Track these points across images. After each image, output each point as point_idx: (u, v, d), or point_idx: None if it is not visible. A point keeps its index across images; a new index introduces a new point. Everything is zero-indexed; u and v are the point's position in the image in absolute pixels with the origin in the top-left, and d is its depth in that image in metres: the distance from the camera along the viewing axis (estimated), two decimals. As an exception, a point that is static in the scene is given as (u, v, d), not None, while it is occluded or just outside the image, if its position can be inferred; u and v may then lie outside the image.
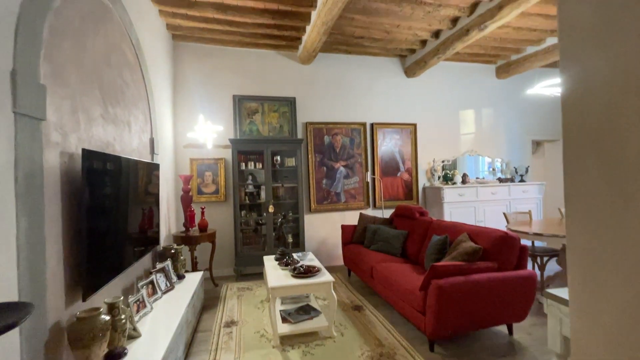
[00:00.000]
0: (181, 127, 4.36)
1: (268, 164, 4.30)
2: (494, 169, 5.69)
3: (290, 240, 4.44)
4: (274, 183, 4.46)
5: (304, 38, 4.19)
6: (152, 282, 2.58)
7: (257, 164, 4.42)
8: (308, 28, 3.93)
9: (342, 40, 4.41)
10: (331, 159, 4.88)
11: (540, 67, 5.71)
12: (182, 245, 3.54)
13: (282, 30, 4.05)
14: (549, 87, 3.41)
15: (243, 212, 4.41)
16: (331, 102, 4.92)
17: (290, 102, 4.71)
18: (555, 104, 5.98)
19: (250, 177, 4.46)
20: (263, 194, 4.41)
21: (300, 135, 4.78)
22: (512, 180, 5.36)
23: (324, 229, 4.86)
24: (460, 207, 4.88)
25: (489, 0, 3.37)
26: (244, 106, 4.57)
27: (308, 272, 2.70)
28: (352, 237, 4.22)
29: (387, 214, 5.08)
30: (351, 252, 3.94)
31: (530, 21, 3.94)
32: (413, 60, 4.93)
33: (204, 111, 4.42)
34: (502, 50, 5.00)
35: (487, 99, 5.63)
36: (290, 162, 4.52)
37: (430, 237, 3.31)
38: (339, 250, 4.90)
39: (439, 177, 5.23)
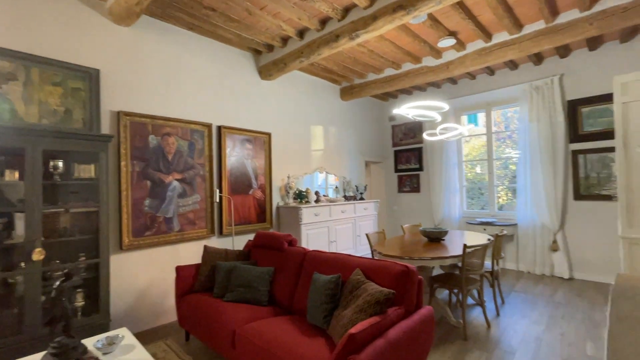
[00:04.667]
0: None
1: (36, 172, 2.40)
2: (337, 188, 5.76)
3: (81, 302, 2.62)
4: (49, 207, 2.56)
5: (122, -21, 2.68)
6: None
7: (12, 172, 2.41)
8: (131, -38, 2.50)
9: (184, 5, 3.16)
10: (160, 169, 3.40)
11: (372, 96, 6.37)
12: None
13: (77, -51, 2.40)
14: (413, 108, 3.55)
15: (-35, 266, 2.25)
16: (163, 89, 3.47)
17: (90, 76, 2.94)
18: (383, 130, 6.81)
19: (-11, 197, 2.37)
20: (21, 228, 2.43)
21: (106, 130, 3.06)
22: (354, 198, 5.54)
23: (146, 273, 3.26)
24: (316, 228, 4.50)
25: (364, 8, 3.15)
26: (-20, 63, 2.44)
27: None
28: (193, 283, 2.93)
29: (238, 242, 4.04)
30: (193, 306, 2.66)
31: (384, 46, 4.09)
32: (271, 59, 4.24)
33: None
34: (350, 72, 5.13)
35: (334, 118, 5.69)
36: (87, 171, 2.75)
37: (309, 274, 2.60)
38: (171, 301, 3.42)
39: (293, 195, 4.70)
